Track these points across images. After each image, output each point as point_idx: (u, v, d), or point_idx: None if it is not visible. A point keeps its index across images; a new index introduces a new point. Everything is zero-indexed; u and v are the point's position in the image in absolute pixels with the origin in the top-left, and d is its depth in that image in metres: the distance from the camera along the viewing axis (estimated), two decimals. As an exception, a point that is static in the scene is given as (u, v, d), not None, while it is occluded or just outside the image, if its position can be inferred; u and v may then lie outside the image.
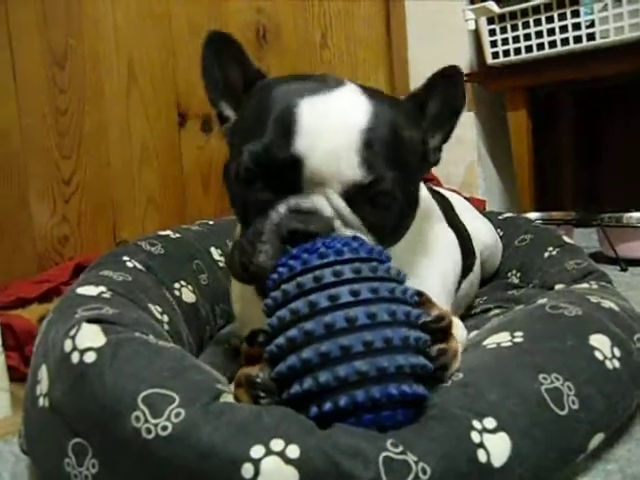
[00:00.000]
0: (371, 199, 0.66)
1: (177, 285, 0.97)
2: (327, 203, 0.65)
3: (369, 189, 0.65)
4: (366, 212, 0.66)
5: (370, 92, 0.71)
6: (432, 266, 0.84)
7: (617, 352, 0.68)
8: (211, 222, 1.25)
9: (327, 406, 0.52)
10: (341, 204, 0.65)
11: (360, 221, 0.66)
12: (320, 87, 0.68)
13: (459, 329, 0.69)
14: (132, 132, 1.69)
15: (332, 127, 0.65)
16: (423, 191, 0.86)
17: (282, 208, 0.65)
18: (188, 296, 0.98)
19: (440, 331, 0.60)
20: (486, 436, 0.54)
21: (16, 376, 0.92)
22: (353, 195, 0.65)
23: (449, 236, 0.95)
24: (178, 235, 1.09)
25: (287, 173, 0.65)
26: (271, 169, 0.65)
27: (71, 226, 1.58)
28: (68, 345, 0.59)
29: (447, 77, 0.77)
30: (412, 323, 0.56)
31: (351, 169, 0.64)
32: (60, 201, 1.56)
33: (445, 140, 0.81)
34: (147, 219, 1.71)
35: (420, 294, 0.61)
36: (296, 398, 0.53)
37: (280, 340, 0.54)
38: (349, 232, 0.65)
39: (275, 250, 0.63)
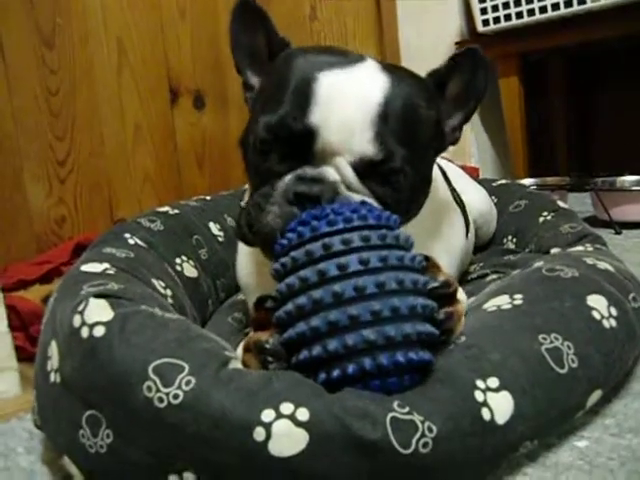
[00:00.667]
0: (381, 175, 0.67)
1: (178, 260, 0.98)
2: (335, 171, 0.66)
3: (380, 165, 0.66)
4: (376, 186, 0.67)
5: (390, 68, 0.71)
6: (442, 242, 0.87)
7: (613, 311, 0.70)
8: (208, 197, 1.26)
9: (335, 373, 0.53)
10: (350, 173, 0.66)
11: (369, 192, 0.67)
12: (340, 61, 0.69)
13: (461, 294, 0.70)
14: (125, 110, 1.69)
15: (348, 101, 0.66)
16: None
17: (290, 175, 0.66)
18: (190, 271, 1.00)
19: (447, 296, 0.61)
20: (489, 395, 0.55)
21: (22, 356, 0.93)
22: (363, 168, 0.66)
23: (456, 212, 0.96)
24: (176, 211, 1.09)
25: (300, 144, 0.66)
26: (285, 140, 0.67)
27: (68, 207, 1.58)
28: (77, 320, 0.60)
29: (470, 59, 0.77)
30: (420, 291, 0.57)
31: (363, 143, 0.65)
32: (56, 182, 1.56)
33: (464, 121, 0.81)
34: (143, 197, 1.71)
35: (427, 259, 0.62)
36: (305, 364, 0.54)
37: (289, 307, 0.55)
38: (355, 196, 0.65)
39: (282, 211, 0.65)
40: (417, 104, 0.71)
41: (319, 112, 0.65)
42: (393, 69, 0.72)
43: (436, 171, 0.90)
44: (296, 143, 0.66)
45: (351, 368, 0.53)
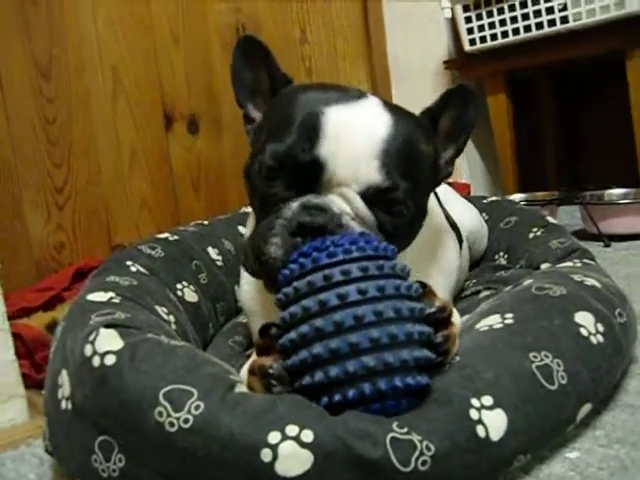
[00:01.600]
0: (385, 204, 0.70)
1: (179, 286, 1.00)
2: (340, 200, 0.69)
3: (385, 194, 0.69)
4: (380, 215, 0.70)
5: (389, 106, 0.75)
6: (437, 265, 0.90)
7: (600, 327, 0.73)
8: (206, 222, 1.28)
9: (337, 397, 0.56)
10: (359, 202, 0.69)
11: (374, 220, 0.70)
12: (344, 97, 0.73)
13: (455, 316, 0.73)
14: (120, 137, 1.72)
15: (354, 135, 0.69)
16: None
17: (295, 204, 0.68)
18: (190, 296, 1.02)
19: (443, 320, 0.63)
20: (484, 413, 0.58)
21: (28, 383, 0.95)
22: (370, 197, 0.69)
23: (450, 234, 1.00)
24: (176, 237, 1.12)
25: (307, 174, 0.69)
26: (292, 169, 0.69)
27: (66, 233, 1.61)
28: (88, 350, 0.62)
29: (459, 95, 0.81)
30: (416, 318, 0.59)
31: (371, 173, 0.69)
32: (54, 209, 1.59)
33: (456, 155, 0.85)
34: (141, 222, 1.74)
35: (424, 285, 0.64)
36: (307, 388, 0.57)
37: (292, 335, 0.58)
38: (357, 228, 0.68)
39: (284, 242, 0.67)
40: (417, 140, 0.75)
41: (327, 145, 0.68)
42: (392, 106, 0.76)
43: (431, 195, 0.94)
44: (303, 173, 0.69)
45: (351, 393, 0.55)
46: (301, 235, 0.66)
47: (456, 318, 0.71)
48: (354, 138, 0.69)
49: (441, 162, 0.83)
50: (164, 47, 1.80)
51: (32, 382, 1.00)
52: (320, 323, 0.56)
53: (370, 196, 0.69)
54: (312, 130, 0.69)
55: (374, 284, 0.58)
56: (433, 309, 0.62)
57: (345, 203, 0.69)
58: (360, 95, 0.75)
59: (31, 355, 1.06)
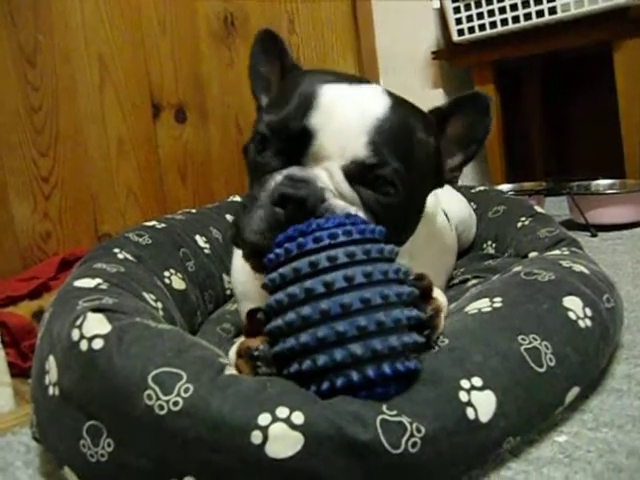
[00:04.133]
0: (371, 182, 0.69)
1: (167, 273, 1.00)
2: (325, 175, 0.68)
3: (371, 171, 0.68)
4: (365, 194, 0.69)
5: (394, 95, 0.74)
6: (438, 259, 0.94)
7: (588, 312, 0.73)
8: (194, 210, 1.28)
9: (325, 386, 0.56)
10: (339, 176, 0.68)
11: (358, 199, 0.69)
12: (347, 79, 0.73)
13: (440, 297, 0.72)
14: (107, 126, 1.70)
15: (347, 111, 0.68)
16: None
17: (279, 176, 0.68)
18: (178, 283, 1.01)
19: (424, 290, 0.64)
20: (473, 394, 0.58)
21: (14, 371, 0.95)
22: (354, 173, 0.68)
23: (450, 231, 1.01)
24: (163, 225, 1.11)
25: (297, 144, 0.68)
26: (283, 138, 0.69)
27: (53, 222, 1.59)
28: (75, 334, 0.62)
29: (473, 102, 0.79)
30: (404, 302, 0.59)
31: (357, 147, 0.68)
32: (40, 198, 1.57)
33: (464, 163, 0.83)
34: (128, 211, 1.72)
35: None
36: (296, 376, 0.57)
37: (278, 322, 0.58)
38: (341, 203, 0.67)
39: (267, 213, 0.66)
40: (413, 126, 0.74)
41: (319, 116, 0.68)
42: (396, 96, 0.75)
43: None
44: (293, 142, 0.69)
45: (340, 381, 0.55)
46: (282, 206, 0.65)
47: (440, 295, 0.71)
48: (347, 113, 0.68)
49: (447, 165, 0.82)
50: (151, 35, 1.78)
51: (18, 371, 0.99)
52: (306, 311, 0.56)
53: (354, 171, 0.68)
54: (307, 102, 0.69)
55: (361, 270, 0.57)
56: (410, 277, 0.62)
57: (329, 178, 0.68)
58: (365, 81, 0.74)
59: (17, 343, 1.05)
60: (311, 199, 0.65)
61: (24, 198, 1.54)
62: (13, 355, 1.03)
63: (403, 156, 0.70)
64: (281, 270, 0.59)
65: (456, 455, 0.56)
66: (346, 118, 0.68)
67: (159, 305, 0.85)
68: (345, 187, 0.68)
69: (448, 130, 0.81)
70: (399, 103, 0.73)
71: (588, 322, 0.72)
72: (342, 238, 0.59)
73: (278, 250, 0.61)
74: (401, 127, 0.71)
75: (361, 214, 0.68)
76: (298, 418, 0.53)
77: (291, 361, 0.57)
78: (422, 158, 0.74)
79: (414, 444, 0.53)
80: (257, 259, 0.66)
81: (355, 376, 0.55)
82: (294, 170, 0.68)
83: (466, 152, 0.82)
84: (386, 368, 0.56)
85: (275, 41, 0.84)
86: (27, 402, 0.84)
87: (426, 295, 0.65)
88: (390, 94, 0.74)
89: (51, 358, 0.65)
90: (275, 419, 0.52)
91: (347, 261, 0.58)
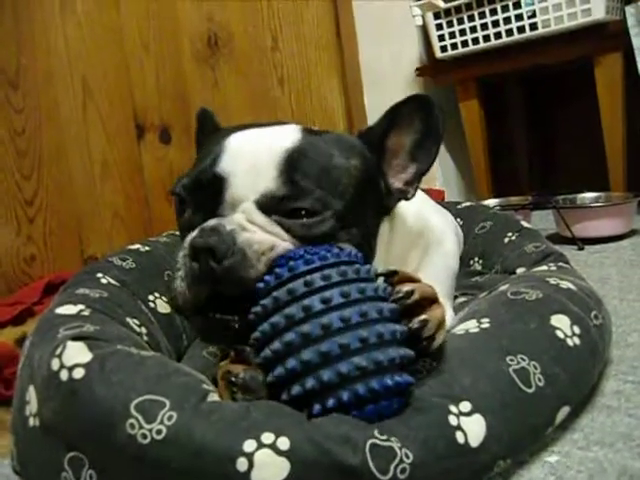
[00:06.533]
0: (292, 212, 0.67)
1: (151, 297, 0.98)
2: (240, 216, 0.67)
3: (286, 202, 0.67)
4: (288, 222, 0.67)
5: (309, 130, 0.74)
6: (448, 272, 0.96)
7: (576, 330, 0.73)
8: (177, 232, 1.26)
9: (330, 402, 0.55)
10: (255, 213, 0.67)
11: (281, 230, 0.67)
12: (260, 126, 0.74)
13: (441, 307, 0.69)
14: (91, 148, 1.70)
15: (255, 148, 0.69)
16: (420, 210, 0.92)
17: (195, 231, 0.68)
18: (163, 307, 1.00)
19: (418, 305, 0.63)
20: (463, 419, 0.58)
21: (-4, 400, 0.93)
22: (269, 206, 0.67)
23: (453, 242, 1.03)
24: (147, 248, 1.10)
25: (212, 195, 0.69)
26: (198, 193, 0.70)
27: (37, 245, 1.58)
28: (55, 364, 0.60)
29: (413, 107, 0.76)
30: (395, 318, 0.60)
31: (267, 181, 0.67)
32: (24, 221, 1.56)
33: (420, 172, 0.79)
34: (113, 233, 1.71)
35: (395, 272, 0.64)
36: (297, 398, 0.56)
37: (276, 345, 0.57)
38: (258, 237, 0.66)
39: (187, 271, 0.67)
40: (329, 153, 0.72)
41: (227, 160, 0.69)
42: (312, 130, 0.75)
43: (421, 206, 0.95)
44: (208, 195, 0.69)
45: (346, 395, 0.55)
46: (197, 259, 0.65)
47: (443, 305, 0.68)
48: (255, 151, 0.69)
49: (394, 180, 0.79)
50: (135, 57, 1.78)
51: (1, 399, 0.97)
52: (307, 328, 0.56)
53: (269, 205, 0.67)
54: (216, 152, 0.70)
55: (355, 286, 0.59)
56: (400, 294, 0.62)
57: (245, 219, 0.67)
58: (282, 124, 0.75)
59: (0, 371, 1.03)
60: (219, 245, 0.64)
61: (8, 221, 1.54)
62: (-5, 383, 1.01)
63: (319, 183, 0.68)
64: (274, 293, 0.60)
65: (446, 480, 0.55)
66: (254, 156, 0.68)
67: (143, 330, 0.84)
68: (262, 220, 0.67)
69: (389, 145, 0.78)
70: (312, 135, 0.73)
71: (577, 340, 0.72)
72: (333, 259, 0.61)
73: (267, 277, 0.62)
74: (314, 156, 0.70)
75: (288, 245, 0.67)
76: (284, 444, 0.52)
77: (291, 383, 0.57)
78: (351, 182, 0.71)
79: (403, 470, 0.52)
80: (197, 318, 0.68)
81: (361, 389, 0.55)
82: (208, 222, 0.68)
83: (419, 160, 0.78)
84: (388, 380, 0.56)
85: (206, 116, 0.89)
86: (10, 432, 0.82)
87: (412, 307, 0.63)
88: (305, 129, 0.74)
89: (31, 388, 0.63)
90: (260, 445, 0.52)
91: (341, 279, 0.59)
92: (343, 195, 0.70)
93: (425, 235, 0.93)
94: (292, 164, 0.68)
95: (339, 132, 0.79)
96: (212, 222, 0.67)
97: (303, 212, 0.67)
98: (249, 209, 0.67)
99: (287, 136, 0.71)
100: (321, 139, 0.73)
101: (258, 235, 0.66)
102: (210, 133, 0.85)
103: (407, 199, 0.80)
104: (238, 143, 0.70)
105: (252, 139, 0.71)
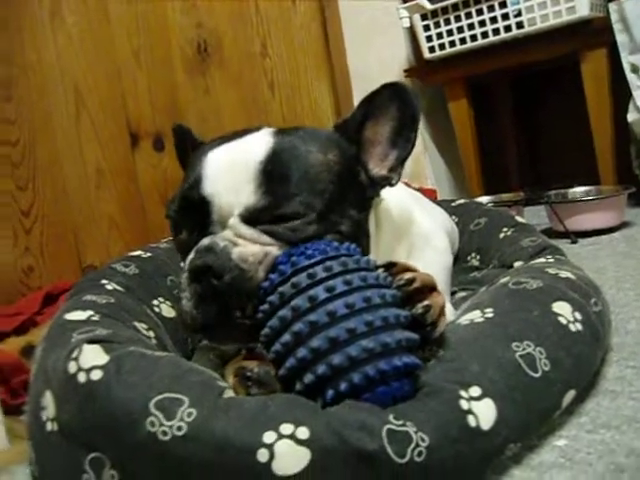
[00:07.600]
0: (278, 219, 0.70)
1: (156, 302, 0.99)
2: (229, 232, 0.70)
3: (269, 211, 0.69)
4: (277, 229, 0.70)
5: (281, 131, 0.76)
6: (440, 266, 0.97)
7: (578, 315, 0.75)
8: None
9: (343, 386, 0.57)
10: (240, 226, 0.70)
11: (270, 238, 0.70)
12: (233, 137, 0.76)
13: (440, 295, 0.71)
14: (86, 157, 1.70)
15: (231, 166, 0.72)
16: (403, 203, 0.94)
17: (192, 253, 0.71)
18: (167, 311, 1.01)
19: (418, 292, 0.65)
20: (473, 403, 0.59)
21: (3, 409, 0.93)
22: (254, 218, 0.70)
23: (445, 240, 1.05)
24: (149, 254, 1.11)
25: (202, 216, 0.71)
26: (190, 216, 0.73)
27: (35, 256, 1.59)
28: (72, 367, 0.61)
29: (386, 95, 0.77)
30: (398, 304, 0.62)
31: (247, 196, 0.70)
32: (21, 232, 1.56)
33: (402, 158, 0.80)
34: (110, 242, 1.72)
35: (394, 264, 0.67)
36: (311, 386, 0.58)
37: (286, 337, 0.59)
38: (252, 248, 0.69)
39: (191, 293, 0.69)
40: (305, 151, 0.73)
41: (208, 182, 0.71)
42: (284, 130, 0.77)
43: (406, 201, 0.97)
44: (199, 216, 0.72)
45: (357, 377, 0.56)
46: (199, 281, 0.68)
47: (441, 293, 0.70)
48: (233, 170, 0.71)
49: (374, 169, 0.80)
50: (126, 66, 1.80)
51: (8, 408, 0.97)
52: (313, 317, 0.58)
53: (254, 217, 0.70)
54: (197, 175, 0.73)
55: (357, 275, 0.61)
56: (402, 281, 0.64)
57: (233, 234, 0.70)
58: (254, 130, 0.77)
59: (6, 381, 1.04)
60: (216, 263, 0.67)
61: (4, 233, 1.54)
62: (2, 392, 1.01)
63: (298, 186, 0.70)
64: (280, 289, 0.62)
65: (460, 464, 0.56)
66: (232, 174, 0.71)
67: (151, 334, 0.85)
68: (249, 233, 0.70)
69: (366, 135, 0.79)
70: (286, 136, 0.75)
71: (579, 325, 0.73)
72: (333, 253, 0.64)
73: (272, 275, 0.65)
74: (289, 159, 0.72)
75: (278, 250, 0.69)
76: (303, 433, 0.53)
77: (303, 373, 0.58)
78: (325, 177, 0.73)
79: (419, 453, 0.54)
80: (208, 334, 0.71)
81: (370, 370, 0.57)
82: (202, 241, 0.70)
83: (399, 147, 0.79)
84: (397, 360, 0.58)
85: (183, 131, 0.91)
86: (18, 439, 0.83)
87: (416, 292, 0.65)
88: (278, 132, 0.76)
89: (47, 393, 0.64)
90: (280, 436, 0.53)
91: (342, 269, 0.62)
92: (324, 192, 0.72)
93: (410, 230, 0.95)
94: (268, 174, 0.70)
95: (314, 127, 0.81)
96: (205, 241, 0.70)
97: (285, 216, 0.70)
98: (235, 224, 0.70)
99: (260, 146, 0.72)
100: (295, 138, 0.75)
101: (249, 247, 0.69)
102: (191, 148, 0.87)
103: (392, 185, 0.82)
104: (216, 163, 0.73)
105: (228, 156, 0.73)
